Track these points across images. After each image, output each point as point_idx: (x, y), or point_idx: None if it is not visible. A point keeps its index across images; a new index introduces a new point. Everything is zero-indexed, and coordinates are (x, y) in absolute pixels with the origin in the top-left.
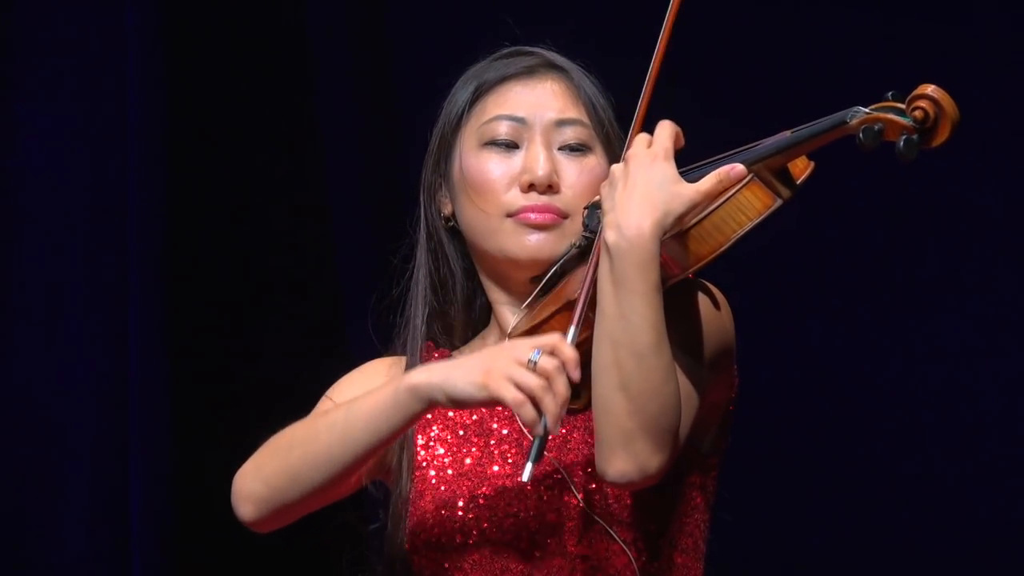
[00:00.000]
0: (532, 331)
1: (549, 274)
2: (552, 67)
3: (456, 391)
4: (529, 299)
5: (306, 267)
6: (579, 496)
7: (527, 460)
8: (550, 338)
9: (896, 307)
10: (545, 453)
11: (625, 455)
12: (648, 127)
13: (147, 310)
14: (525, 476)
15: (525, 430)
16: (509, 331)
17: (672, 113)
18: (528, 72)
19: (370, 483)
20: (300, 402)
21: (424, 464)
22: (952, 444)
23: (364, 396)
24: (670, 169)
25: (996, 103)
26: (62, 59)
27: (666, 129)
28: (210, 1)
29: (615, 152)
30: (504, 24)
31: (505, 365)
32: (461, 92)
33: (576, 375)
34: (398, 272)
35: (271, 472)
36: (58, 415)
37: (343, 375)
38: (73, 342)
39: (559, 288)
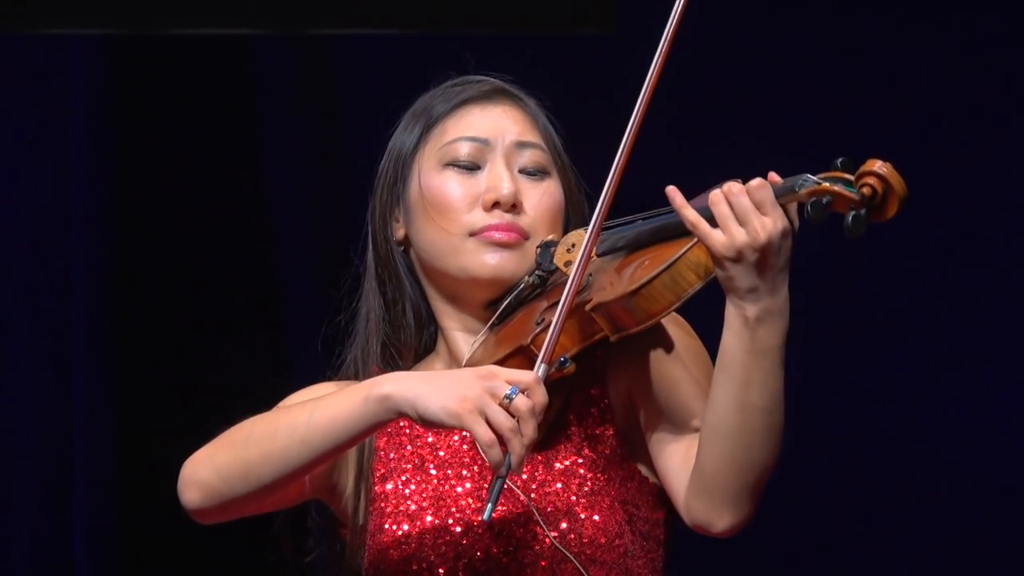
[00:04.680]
0: None
1: (504, 304)
2: (507, 93)
3: (428, 412)
4: (484, 329)
5: (250, 295)
6: (552, 535)
7: (488, 500)
8: (526, 377)
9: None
10: (520, 493)
11: (736, 510)
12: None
13: (91, 334)
14: (485, 516)
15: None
16: (464, 362)
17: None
18: (486, 96)
19: (313, 499)
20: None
21: (383, 495)
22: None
23: (329, 399)
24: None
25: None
26: (7, 94)
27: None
28: (154, 43)
29: (568, 179)
30: (454, 60)
31: (479, 397)
32: (416, 116)
33: (540, 419)
34: (343, 301)
35: (224, 463)
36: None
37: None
38: (16, 368)
39: (512, 324)
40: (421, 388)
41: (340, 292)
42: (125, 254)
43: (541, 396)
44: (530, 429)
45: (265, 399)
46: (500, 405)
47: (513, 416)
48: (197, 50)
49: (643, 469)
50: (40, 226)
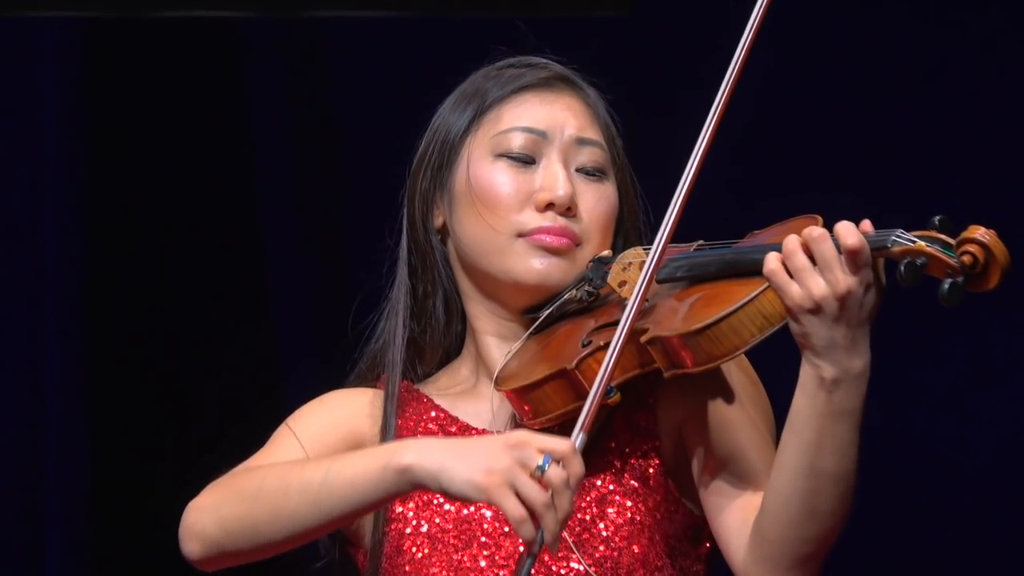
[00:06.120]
0: (524, 391)
1: (546, 314)
2: (568, 81)
3: (452, 487)
4: (522, 338)
5: (237, 294)
6: (587, 563)
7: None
8: (561, 445)
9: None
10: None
11: (800, 573)
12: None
13: (64, 338)
14: None
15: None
16: (496, 371)
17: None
18: (545, 84)
19: None
20: (233, 448)
21: (403, 517)
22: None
23: (346, 459)
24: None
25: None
26: None
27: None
28: (134, 27)
29: (625, 180)
30: (451, 44)
31: (508, 469)
32: (468, 98)
33: (576, 491)
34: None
35: (230, 516)
36: None
37: (276, 418)
38: None
39: (555, 341)
40: (445, 459)
41: (363, 279)
42: (103, 254)
43: (577, 466)
44: (565, 502)
45: (253, 413)
46: (532, 477)
47: (546, 488)
48: (180, 35)
49: (689, 504)
50: (11, 224)
